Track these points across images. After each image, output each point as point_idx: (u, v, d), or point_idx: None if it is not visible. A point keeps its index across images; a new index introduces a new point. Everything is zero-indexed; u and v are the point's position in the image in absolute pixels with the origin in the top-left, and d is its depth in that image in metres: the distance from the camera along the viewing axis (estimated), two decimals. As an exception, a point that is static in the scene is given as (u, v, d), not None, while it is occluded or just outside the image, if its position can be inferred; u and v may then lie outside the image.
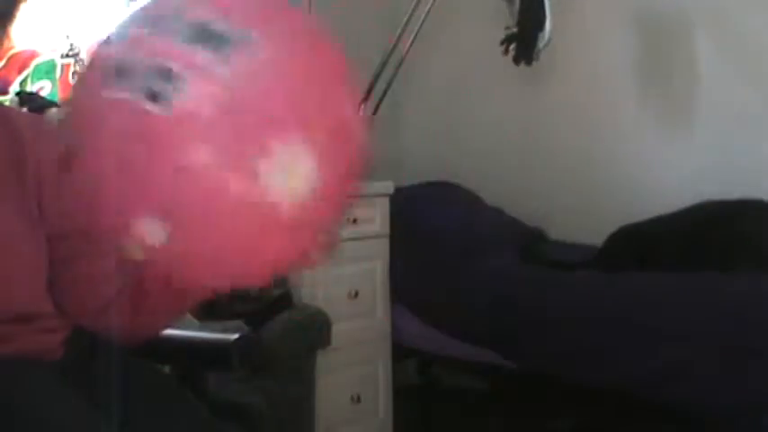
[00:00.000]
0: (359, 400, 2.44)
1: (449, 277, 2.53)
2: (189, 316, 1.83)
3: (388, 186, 2.56)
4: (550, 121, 3.14)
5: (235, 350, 1.31)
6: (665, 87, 2.91)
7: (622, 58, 2.98)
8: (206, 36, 0.75)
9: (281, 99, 0.77)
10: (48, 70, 2.34)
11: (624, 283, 2.28)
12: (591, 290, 2.30)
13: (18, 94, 2.22)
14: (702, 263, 2.26)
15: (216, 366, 1.35)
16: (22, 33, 2.26)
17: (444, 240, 2.65)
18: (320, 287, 2.33)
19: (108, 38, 0.81)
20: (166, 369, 1.30)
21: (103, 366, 1.08)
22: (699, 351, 2.03)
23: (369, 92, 2.93)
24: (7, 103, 2.10)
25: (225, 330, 1.39)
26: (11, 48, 2.24)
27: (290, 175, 0.75)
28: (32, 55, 2.33)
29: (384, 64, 2.90)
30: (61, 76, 2.37)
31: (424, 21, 2.86)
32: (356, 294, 2.43)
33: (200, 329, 1.61)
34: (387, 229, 2.55)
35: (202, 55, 0.74)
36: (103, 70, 0.78)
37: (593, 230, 2.70)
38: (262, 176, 0.73)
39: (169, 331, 1.30)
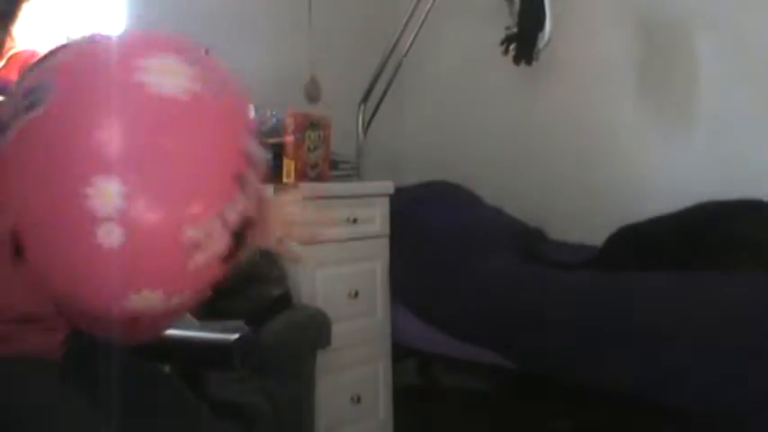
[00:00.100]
0: (359, 400, 2.44)
1: (449, 277, 2.53)
2: (189, 316, 1.83)
3: (388, 186, 2.56)
4: (550, 121, 3.14)
5: (235, 350, 1.31)
6: (665, 87, 2.91)
7: (622, 59, 2.98)
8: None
9: None
10: (48, 70, 2.34)
11: (624, 283, 2.28)
12: (591, 290, 2.30)
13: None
14: (702, 263, 2.26)
15: (216, 366, 1.35)
16: (22, 33, 2.25)
17: (444, 240, 2.65)
18: (320, 287, 2.33)
19: None
20: (166, 369, 1.30)
21: (103, 366, 1.08)
22: (698, 351, 2.03)
23: (369, 92, 2.94)
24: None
25: (225, 330, 1.39)
26: (12, 47, 2.24)
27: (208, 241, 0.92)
28: (32, 55, 2.33)
29: (384, 64, 2.91)
30: (61, 76, 2.37)
31: (424, 21, 2.86)
32: (356, 294, 2.43)
33: (200, 329, 1.60)
34: (387, 229, 2.55)
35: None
36: None
37: (592, 230, 2.71)
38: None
39: (169, 331, 1.30)
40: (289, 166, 2.31)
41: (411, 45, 2.92)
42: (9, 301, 1.03)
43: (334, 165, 2.50)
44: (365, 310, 2.47)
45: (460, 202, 3.00)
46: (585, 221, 2.89)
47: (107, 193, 0.85)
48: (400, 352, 2.66)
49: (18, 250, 0.89)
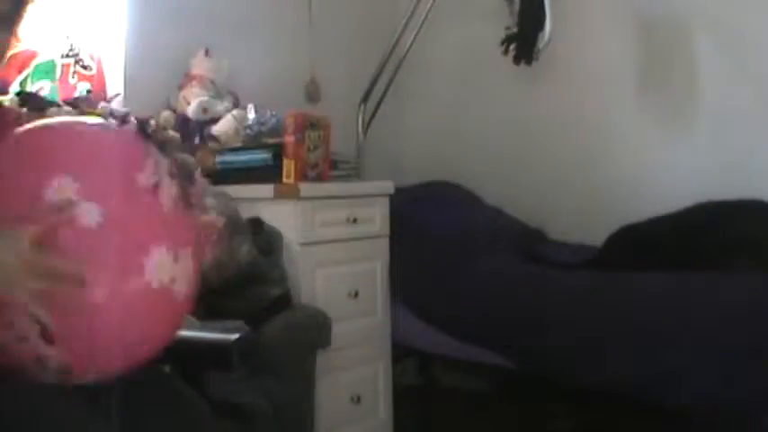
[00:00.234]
0: (359, 400, 2.44)
1: (449, 277, 2.53)
2: (189, 316, 1.83)
3: (388, 186, 2.56)
4: (550, 120, 3.14)
5: (235, 350, 1.31)
6: (665, 87, 2.91)
7: (622, 58, 2.98)
8: None
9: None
10: (48, 70, 2.34)
11: (624, 284, 2.28)
12: (591, 290, 2.30)
13: (18, 94, 2.22)
14: (702, 263, 2.26)
15: (216, 366, 1.35)
16: (22, 33, 2.26)
17: (444, 240, 2.64)
18: (320, 287, 2.33)
19: None
20: (166, 369, 1.30)
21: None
22: (698, 351, 2.03)
23: (369, 92, 2.94)
24: (7, 103, 2.10)
25: (225, 330, 1.39)
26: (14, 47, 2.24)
27: (186, 280, 1.00)
28: (32, 55, 2.33)
29: (384, 64, 2.91)
30: (61, 76, 2.37)
31: (424, 21, 2.86)
32: (356, 294, 2.43)
33: (200, 329, 1.60)
34: (387, 229, 2.55)
35: None
36: None
37: (592, 230, 2.71)
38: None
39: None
40: (289, 166, 2.31)
41: (411, 45, 2.92)
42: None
43: (334, 165, 2.50)
44: (365, 310, 2.47)
45: (460, 203, 3.00)
46: (585, 222, 2.89)
47: None
48: (400, 352, 2.66)
49: None
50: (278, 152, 2.35)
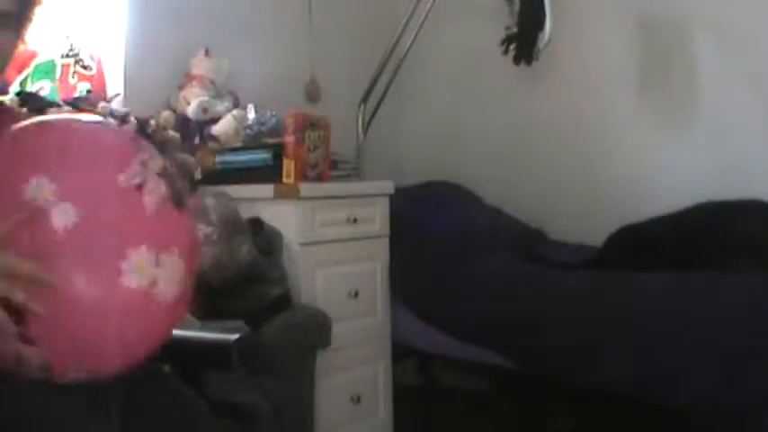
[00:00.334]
0: (359, 400, 2.44)
1: (449, 277, 2.53)
2: (189, 316, 1.83)
3: (388, 186, 2.56)
4: (550, 121, 3.14)
5: (235, 350, 1.31)
6: (665, 87, 2.91)
7: (622, 58, 2.98)
8: None
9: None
10: (48, 70, 2.34)
11: (624, 284, 2.28)
12: (591, 290, 2.30)
13: (18, 94, 2.22)
14: (702, 263, 2.26)
15: (216, 366, 1.35)
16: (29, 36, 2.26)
17: (444, 240, 2.64)
18: (320, 287, 2.33)
19: None
20: (166, 369, 1.30)
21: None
22: (698, 351, 2.03)
23: (369, 92, 2.94)
24: (7, 103, 2.09)
25: (225, 330, 1.39)
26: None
27: (171, 281, 0.98)
28: (32, 55, 2.33)
29: (384, 64, 2.91)
30: (61, 76, 2.37)
31: (424, 21, 2.86)
32: (356, 294, 2.42)
33: (200, 329, 1.60)
34: (387, 229, 2.55)
35: None
36: None
37: (592, 230, 2.71)
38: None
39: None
40: (289, 166, 2.31)
41: (411, 45, 2.92)
42: None
43: (334, 165, 2.50)
44: (365, 310, 2.47)
45: (460, 203, 3.00)
46: (585, 222, 2.89)
47: None
48: (400, 352, 2.66)
49: None
50: (278, 152, 2.35)
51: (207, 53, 2.62)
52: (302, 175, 2.32)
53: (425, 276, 2.57)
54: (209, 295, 2.01)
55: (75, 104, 2.26)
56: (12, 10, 1.11)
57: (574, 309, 2.27)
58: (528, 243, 2.76)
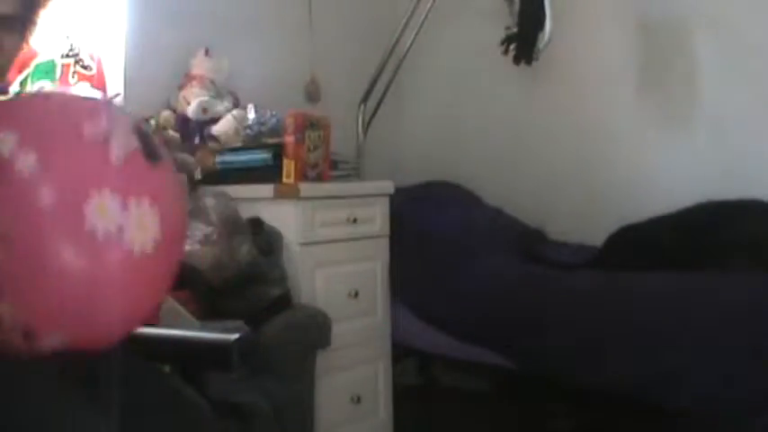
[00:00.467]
0: (359, 400, 2.44)
1: (449, 277, 2.53)
2: (189, 316, 1.83)
3: (388, 186, 2.56)
4: (550, 120, 3.14)
5: (235, 350, 1.31)
6: (665, 87, 2.91)
7: (622, 59, 2.98)
8: None
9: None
10: (48, 70, 2.34)
11: (624, 284, 2.28)
12: (591, 290, 2.30)
13: (18, 94, 2.22)
14: (702, 263, 2.26)
15: (216, 366, 1.35)
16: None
17: (444, 240, 2.65)
18: (320, 287, 2.33)
19: None
20: (166, 369, 1.30)
21: (103, 366, 1.08)
22: (698, 351, 2.03)
23: (369, 92, 2.94)
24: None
25: (225, 330, 1.39)
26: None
27: (140, 228, 0.93)
28: (32, 55, 2.33)
29: (384, 64, 2.91)
30: (61, 76, 2.37)
31: (424, 21, 2.86)
32: (356, 294, 2.43)
33: (200, 329, 1.61)
34: (387, 230, 2.55)
35: None
36: None
37: (592, 231, 2.71)
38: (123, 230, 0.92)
39: (169, 331, 1.30)
40: (289, 166, 2.31)
41: (411, 45, 2.92)
42: None
43: (334, 165, 2.50)
44: (365, 310, 2.47)
45: (460, 203, 3.00)
46: (585, 222, 2.89)
47: None
48: (400, 352, 2.66)
49: None
50: (278, 152, 2.35)
51: (207, 53, 2.62)
52: (302, 175, 2.32)
53: (425, 276, 2.57)
54: (209, 295, 2.01)
55: (76, 104, 2.26)
56: (16, 13, 1.11)
57: (574, 309, 2.27)
58: (528, 243, 2.76)
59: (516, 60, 2.77)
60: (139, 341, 1.24)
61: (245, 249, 2.10)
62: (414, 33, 2.90)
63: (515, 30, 2.74)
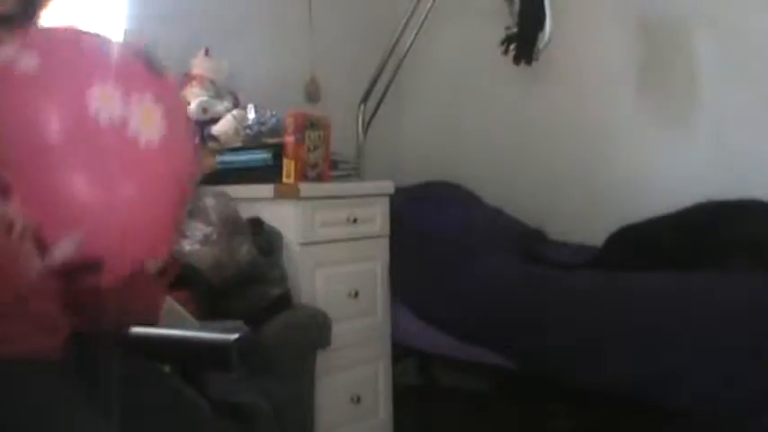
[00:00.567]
0: (359, 400, 2.44)
1: (449, 277, 2.53)
2: (189, 316, 1.83)
3: (388, 186, 2.56)
4: (550, 121, 3.14)
5: (235, 350, 1.31)
6: (665, 87, 2.91)
7: (622, 59, 2.98)
8: None
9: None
10: (48, 70, 2.34)
11: (624, 283, 2.28)
12: (591, 290, 2.30)
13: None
14: (702, 263, 2.26)
15: (215, 366, 1.35)
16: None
17: (444, 240, 2.65)
18: (320, 287, 2.33)
19: None
20: (166, 369, 1.30)
21: (103, 366, 1.08)
22: (698, 351, 2.03)
23: (369, 92, 2.94)
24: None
25: (225, 330, 1.39)
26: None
27: (145, 122, 0.91)
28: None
29: (384, 64, 2.91)
30: (61, 75, 2.36)
31: (424, 21, 2.86)
32: (356, 294, 2.43)
33: (200, 329, 1.60)
34: (387, 229, 2.55)
35: None
36: None
37: (593, 231, 2.71)
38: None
39: (169, 331, 1.30)
40: (289, 166, 2.31)
41: (411, 45, 2.92)
42: (20, 297, 1.02)
43: (334, 165, 2.50)
44: (365, 310, 2.47)
45: (460, 203, 3.00)
46: (585, 222, 2.89)
47: None
48: (400, 352, 2.66)
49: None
50: (278, 152, 2.35)
51: (207, 53, 2.62)
52: (302, 175, 2.32)
53: (425, 276, 2.57)
54: (209, 295, 2.01)
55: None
56: (12, 12, 1.11)
57: (574, 309, 2.27)
58: (528, 243, 2.76)
59: (516, 60, 2.77)
60: (139, 341, 1.24)
61: (245, 249, 2.10)
62: (414, 33, 2.90)
63: (515, 30, 2.74)
